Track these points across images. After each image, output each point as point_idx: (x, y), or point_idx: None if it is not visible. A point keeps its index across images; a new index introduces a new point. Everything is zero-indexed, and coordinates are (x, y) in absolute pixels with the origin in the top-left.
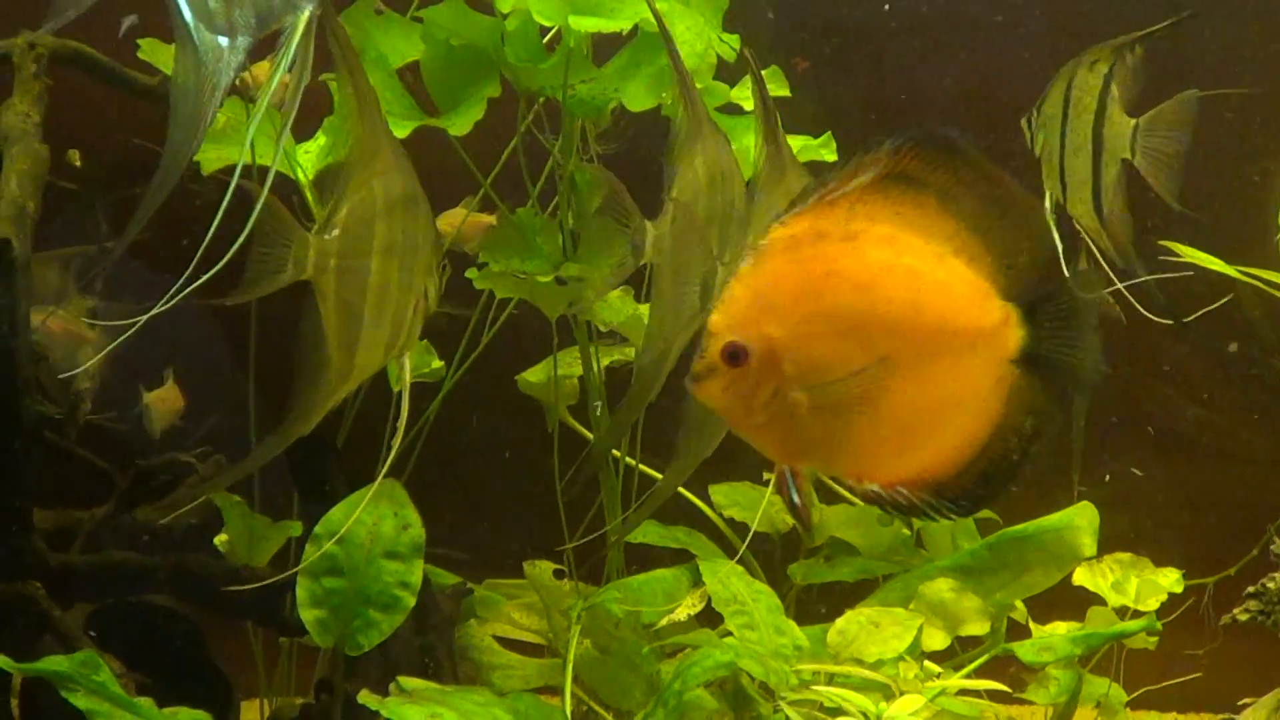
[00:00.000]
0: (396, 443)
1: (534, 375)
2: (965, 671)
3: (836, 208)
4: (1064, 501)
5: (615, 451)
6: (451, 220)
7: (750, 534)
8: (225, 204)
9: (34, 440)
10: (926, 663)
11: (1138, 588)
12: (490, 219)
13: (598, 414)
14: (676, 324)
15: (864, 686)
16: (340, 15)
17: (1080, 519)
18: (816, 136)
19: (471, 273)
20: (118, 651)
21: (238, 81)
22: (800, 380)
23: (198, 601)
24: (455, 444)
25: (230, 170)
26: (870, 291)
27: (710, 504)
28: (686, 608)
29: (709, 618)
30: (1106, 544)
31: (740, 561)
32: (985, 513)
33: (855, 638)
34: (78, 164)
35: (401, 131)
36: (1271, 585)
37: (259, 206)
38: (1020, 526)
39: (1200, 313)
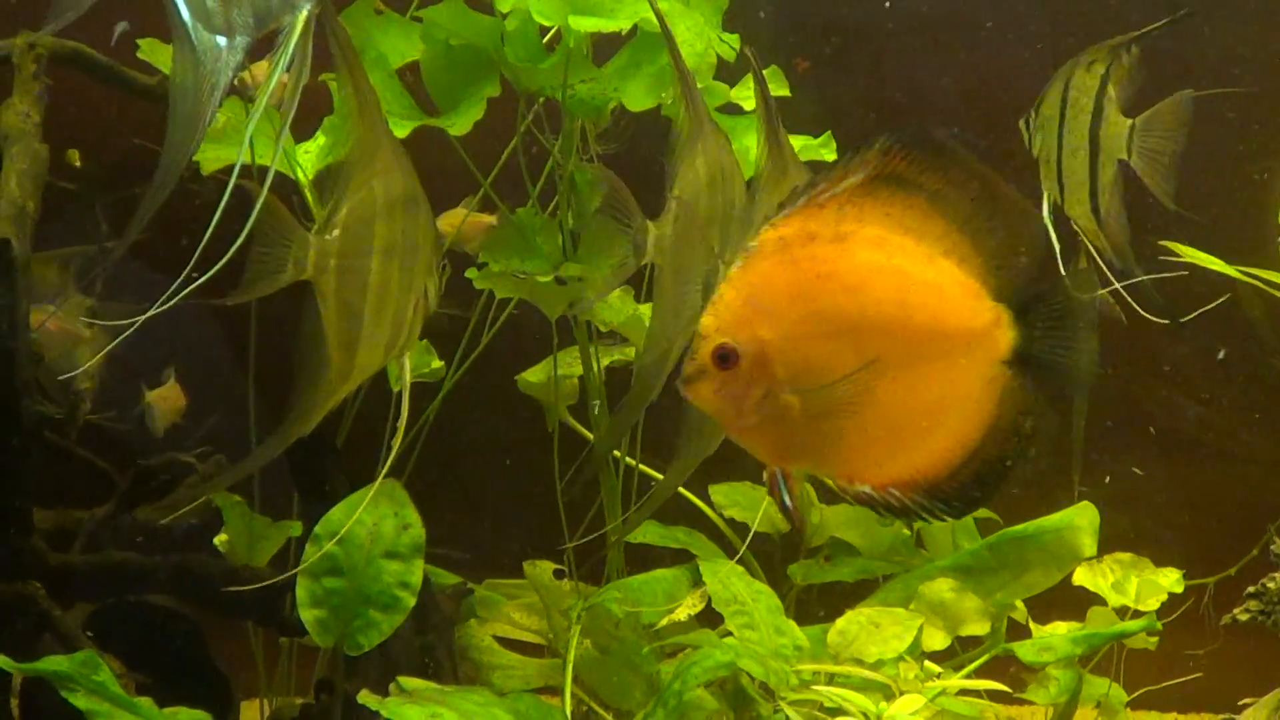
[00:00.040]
0: (397, 443)
1: (534, 375)
2: (965, 671)
3: (826, 209)
4: (1064, 501)
5: (615, 452)
6: (452, 220)
7: (750, 534)
8: (224, 204)
9: (34, 440)
10: (927, 663)
11: (1138, 588)
12: (490, 219)
13: (595, 413)
14: (678, 324)
15: (864, 686)
16: (340, 15)
17: (1080, 519)
18: (817, 136)
19: (471, 273)
20: (118, 651)
21: (236, 81)
22: (791, 382)
23: (198, 601)
24: (455, 444)
25: (229, 170)
26: (860, 293)
27: (710, 504)
28: (687, 608)
29: (709, 618)
30: (1107, 544)
31: (740, 562)
32: (986, 513)
33: (855, 638)
34: (77, 164)
35: (401, 131)
36: (1272, 585)
37: (258, 206)
38: (1021, 526)
39: (1197, 313)
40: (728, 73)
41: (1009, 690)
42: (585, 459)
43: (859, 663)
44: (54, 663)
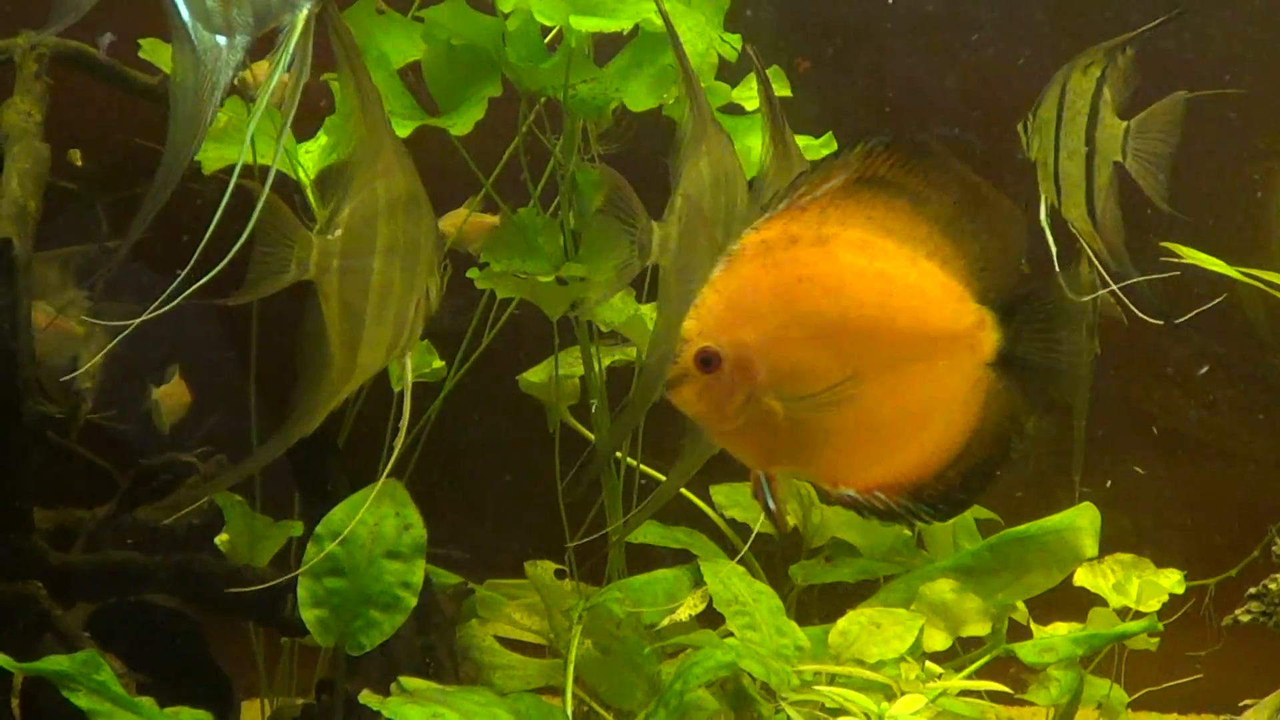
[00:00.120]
0: (398, 443)
1: (535, 375)
2: (966, 672)
3: (808, 212)
4: (1065, 502)
5: (617, 452)
6: (453, 220)
7: (752, 535)
8: (225, 203)
9: (35, 440)
10: (928, 663)
11: (1139, 589)
12: (492, 219)
13: (594, 412)
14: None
15: (865, 687)
16: (342, 15)
17: (1082, 520)
18: (818, 137)
19: (473, 273)
20: (119, 651)
21: (237, 81)
22: (774, 385)
23: (199, 601)
24: (457, 444)
25: (231, 170)
26: (843, 296)
27: (711, 504)
28: (688, 608)
29: (710, 618)
30: (1108, 545)
31: (742, 562)
32: (987, 513)
33: (857, 638)
34: (79, 163)
35: (403, 131)
36: (1273, 586)
37: (260, 206)
38: (1022, 527)
39: (1194, 313)
40: (728, 73)
41: (1010, 691)
42: (587, 459)
43: (860, 663)
44: (55, 662)
